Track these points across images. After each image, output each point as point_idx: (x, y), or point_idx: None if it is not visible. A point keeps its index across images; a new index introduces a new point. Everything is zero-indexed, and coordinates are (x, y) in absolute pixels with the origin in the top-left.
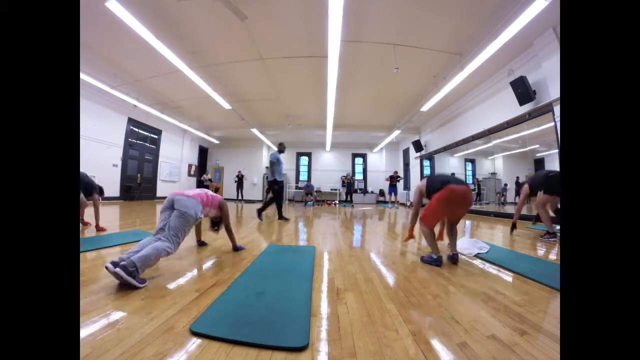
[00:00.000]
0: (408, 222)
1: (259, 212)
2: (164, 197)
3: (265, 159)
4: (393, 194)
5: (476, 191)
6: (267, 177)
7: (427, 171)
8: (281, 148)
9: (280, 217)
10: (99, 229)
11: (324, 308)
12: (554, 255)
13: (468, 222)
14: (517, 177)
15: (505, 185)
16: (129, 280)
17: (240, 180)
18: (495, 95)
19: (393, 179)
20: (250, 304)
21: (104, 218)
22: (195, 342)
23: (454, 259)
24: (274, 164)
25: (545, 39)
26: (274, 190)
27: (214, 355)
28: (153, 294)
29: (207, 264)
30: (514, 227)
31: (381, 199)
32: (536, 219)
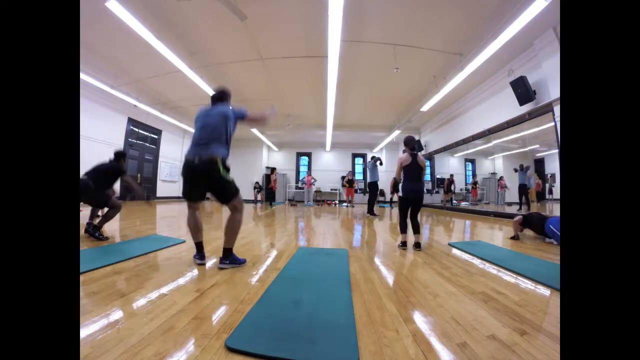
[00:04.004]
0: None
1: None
2: (164, 197)
3: (265, 159)
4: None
5: None
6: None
7: (427, 171)
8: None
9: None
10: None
11: None
12: (553, 255)
13: (468, 222)
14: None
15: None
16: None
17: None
18: (495, 95)
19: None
20: (289, 315)
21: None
22: None
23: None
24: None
25: (545, 39)
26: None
27: None
28: (153, 294)
29: (207, 264)
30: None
31: (381, 199)
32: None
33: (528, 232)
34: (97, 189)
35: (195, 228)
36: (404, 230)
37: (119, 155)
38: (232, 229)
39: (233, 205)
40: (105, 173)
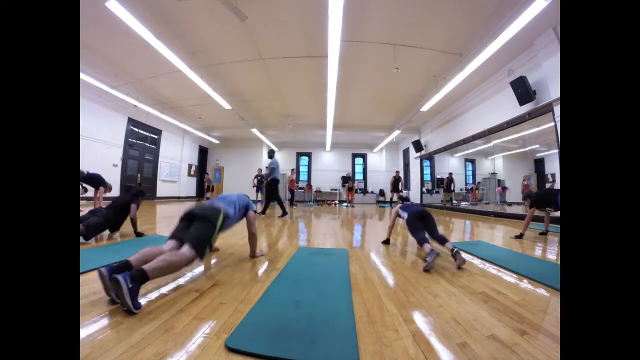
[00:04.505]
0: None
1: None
2: (164, 197)
3: (265, 159)
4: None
5: None
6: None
7: (427, 171)
8: (271, 154)
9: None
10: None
11: None
12: (554, 255)
13: (468, 222)
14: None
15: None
16: None
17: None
18: (495, 95)
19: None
20: (289, 315)
21: None
22: None
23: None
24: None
25: (545, 39)
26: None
27: None
28: (153, 294)
29: (207, 264)
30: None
31: (381, 199)
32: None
33: (530, 232)
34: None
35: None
36: (423, 241)
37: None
38: (169, 264)
39: (189, 247)
40: (121, 207)
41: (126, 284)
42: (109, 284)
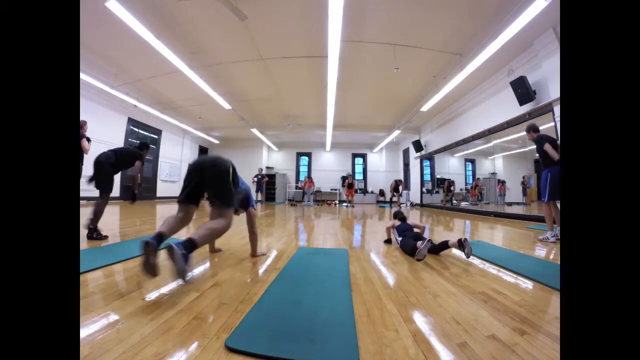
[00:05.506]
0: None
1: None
2: (164, 197)
3: (265, 159)
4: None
5: None
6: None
7: (427, 171)
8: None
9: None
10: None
11: None
12: (554, 255)
13: (468, 222)
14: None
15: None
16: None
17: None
18: (495, 95)
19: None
20: (289, 315)
21: (104, 219)
22: None
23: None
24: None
25: (545, 39)
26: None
27: None
28: (153, 294)
29: (207, 264)
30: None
31: (381, 199)
32: None
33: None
34: (113, 169)
35: (171, 222)
36: (416, 243)
37: (144, 145)
38: (212, 231)
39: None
40: (128, 153)
41: (179, 251)
42: (152, 255)
